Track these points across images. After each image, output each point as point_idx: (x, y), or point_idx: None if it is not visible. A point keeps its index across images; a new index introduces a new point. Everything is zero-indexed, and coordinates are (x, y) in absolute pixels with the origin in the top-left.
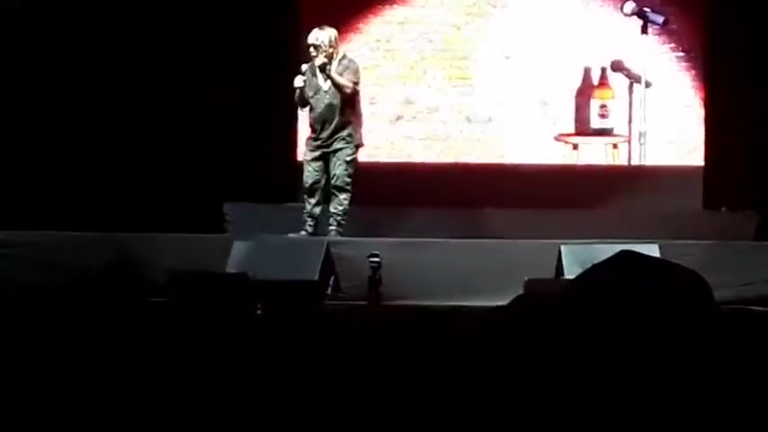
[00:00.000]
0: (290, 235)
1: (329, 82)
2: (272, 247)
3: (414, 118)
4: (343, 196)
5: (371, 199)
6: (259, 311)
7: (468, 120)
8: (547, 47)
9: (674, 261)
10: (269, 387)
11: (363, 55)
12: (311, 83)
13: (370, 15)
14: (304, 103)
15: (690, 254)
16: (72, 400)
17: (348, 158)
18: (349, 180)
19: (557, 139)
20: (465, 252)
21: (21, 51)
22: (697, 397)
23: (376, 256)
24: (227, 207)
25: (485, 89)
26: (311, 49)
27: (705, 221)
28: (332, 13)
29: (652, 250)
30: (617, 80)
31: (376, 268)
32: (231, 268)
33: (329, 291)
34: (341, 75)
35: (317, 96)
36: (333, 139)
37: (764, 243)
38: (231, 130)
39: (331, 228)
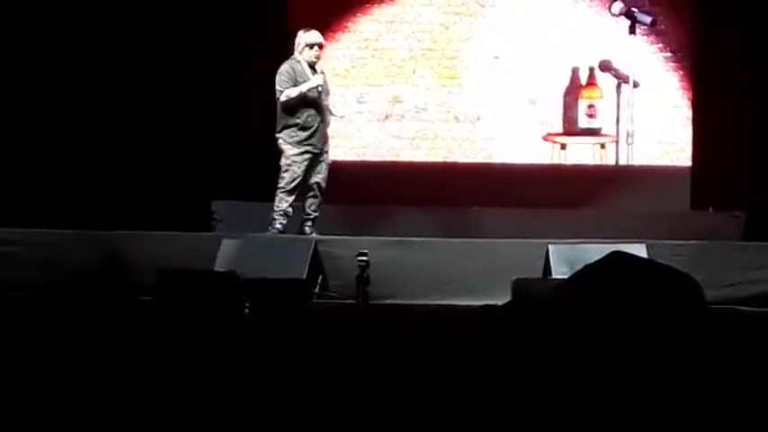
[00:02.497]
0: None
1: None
2: (261, 245)
3: (402, 117)
4: (321, 199)
5: (359, 198)
6: (247, 310)
7: (457, 119)
8: (535, 47)
9: (663, 262)
10: (257, 385)
11: (352, 54)
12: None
13: (359, 14)
14: (307, 104)
15: (677, 254)
16: (59, 398)
17: (329, 162)
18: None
19: (545, 138)
20: (453, 251)
21: (11, 51)
22: (688, 396)
23: (364, 254)
24: (215, 205)
25: (473, 88)
26: (316, 48)
27: (693, 222)
28: (320, 11)
29: (640, 250)
30: (605, 80)
31: (364, 267)
32: (219, 266)
33: (317, 289)
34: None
35: (319, 98)
36: (322, 142)
37: (752, 243)
38: (219, 127)
39: (312, 228)
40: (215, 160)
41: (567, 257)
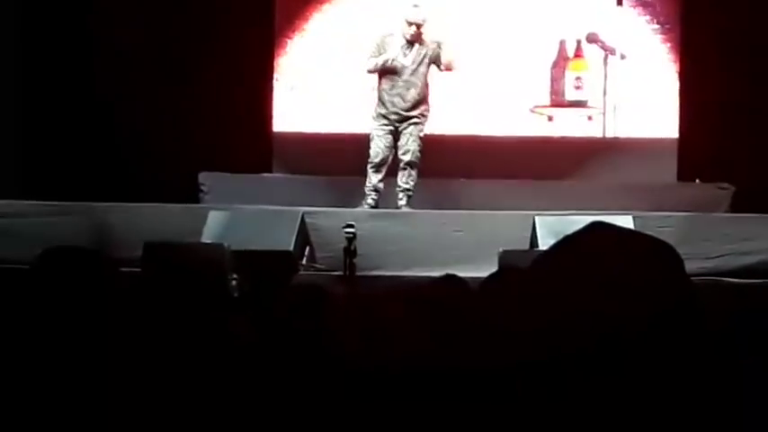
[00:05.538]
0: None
1: (409, 58)
2: (248, 217)
3: None
4: (415, 171)
5: (347, 170)
6: (234, 282)
7: (444, 91)
8: (522, 18)
9: (646, 233)
10: (242, 359)
11: (341, 24)
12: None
13: None
14: (386, 71)
15: (664, 225)
16: (39, 374)
17: (421, 134)
18: (420, 155)
19: (532, 110)
20: (440, 223)
21: None
22: (669, 370)
23: (351, 226)
24: (202, 177)
25: (460, 61)
26: (413, 27)
27: (679, 193)
28: None
29: (626, 222)
30: (592, 52)
31: (351, 239)
32: (206, 238)
33: (304, 261)
34: (435, 58)
35: (399, 72)
36: (408, 115)
37: (738, 215)
38: (207, 99)
39: (402, 202)
40: (202, 131)
41: (553, 229)
